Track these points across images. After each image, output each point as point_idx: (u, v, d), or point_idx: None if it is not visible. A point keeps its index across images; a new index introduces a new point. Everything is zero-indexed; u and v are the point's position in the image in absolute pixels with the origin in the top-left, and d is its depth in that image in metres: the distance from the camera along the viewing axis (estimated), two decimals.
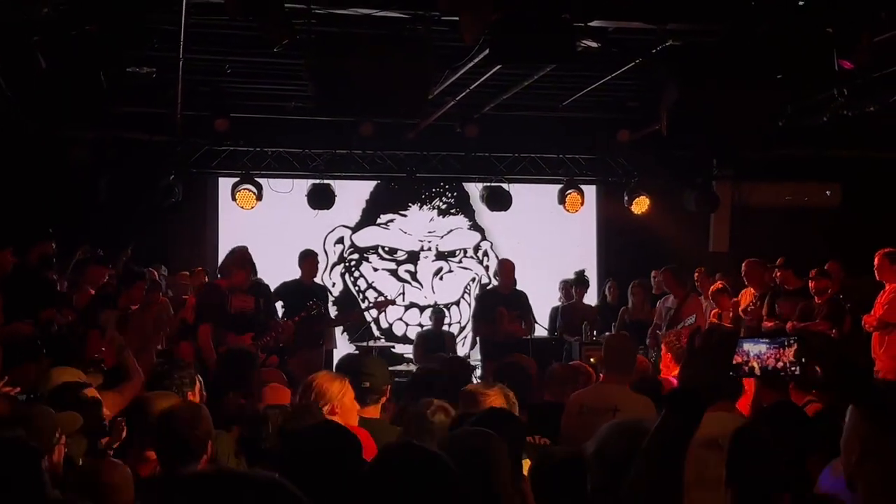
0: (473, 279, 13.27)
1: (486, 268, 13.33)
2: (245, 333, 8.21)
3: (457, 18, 7.01)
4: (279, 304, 9.67)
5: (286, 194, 12.11)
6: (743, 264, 10.53)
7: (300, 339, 9.01)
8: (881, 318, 9.16)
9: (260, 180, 11.89)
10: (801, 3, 6.34)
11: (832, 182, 13.47)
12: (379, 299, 12.44)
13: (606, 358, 5.91)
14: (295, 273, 10.04)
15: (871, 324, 9.24)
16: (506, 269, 10.79)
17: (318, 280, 10.51)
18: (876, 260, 9.39)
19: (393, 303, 12.09)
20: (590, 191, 13.21)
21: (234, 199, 11.84)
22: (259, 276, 10.64)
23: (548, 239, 13.07)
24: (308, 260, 10.12)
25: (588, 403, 5.52)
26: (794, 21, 6.49)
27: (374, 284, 13.04)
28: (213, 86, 10.58)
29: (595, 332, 10.71)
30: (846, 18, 6.47)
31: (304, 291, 9.65)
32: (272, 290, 9.36)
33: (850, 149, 12.35)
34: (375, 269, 13.06)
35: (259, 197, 11.81)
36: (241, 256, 8.58)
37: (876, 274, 9.35)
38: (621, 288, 12.00)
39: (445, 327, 12.27)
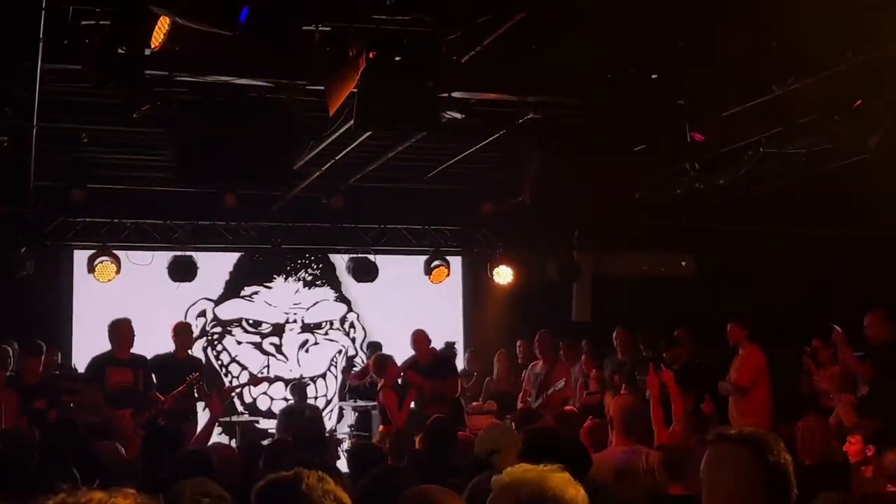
0: (340, 351, 13.09)
1: (353, 339, 13.18)
2: (124, 408, 7.88)
3: (321, 88, 7.02)
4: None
5: (146, 266, 11.75)
6: (615, 332, 10.70)
7: (174, 414, 8.69)
8: (735, 383, 9.43)
9: (118, 252, 11.51)
10: (654, 77, 6.60)
11: (687, 253, 13.94)
12: (259, 373, 12.20)
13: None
14: (155, 347, 9.69)
15: (726, 389, 9.50)
16: (418, 339, 10.67)
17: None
18: (728, 328, 9.70)
19: (273, 380, 11.87)
20: (455, 261, 13.29)
21: (91, 271, 11.40)
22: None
23: (415, 310, 13.03)
24: (183, 333, 9.84)
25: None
26: (647, 95, 6.74)
27: (237, 358, 12.70)
28: (70, 155, 10.25)
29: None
30: (697, 93, 6.76)
31: (178, 365, 9.34)
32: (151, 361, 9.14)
33: (704, 221, 12.83)
34: (239, 343, 12.74)
35: (118, 269, 11.42)
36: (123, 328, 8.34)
37: (728, 340, 9.65)
38: (484, 357, 12.08)
39: (311, 400, 12.04)
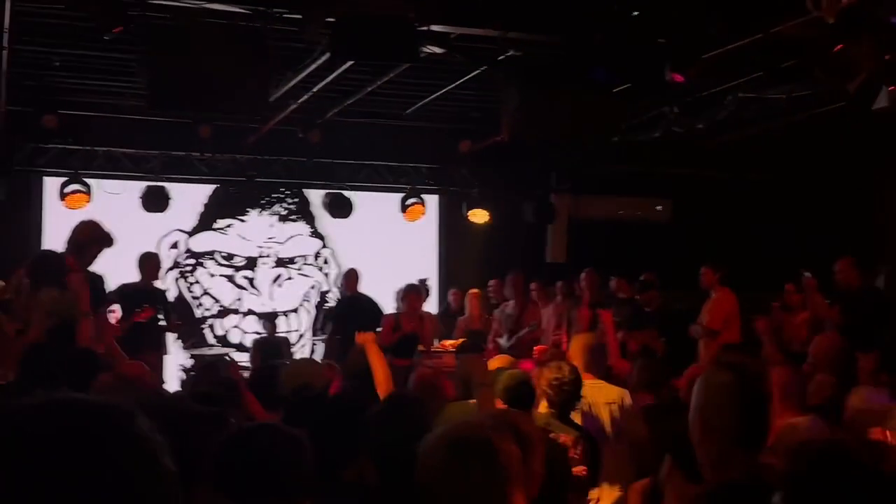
0: (313, 286, 13.07)
1: (326, 275, 13.16)
2: None
3: (299, 16, 6.91)
4: (115, 307, 9.28)
5: (118, 195, 11.62)
6: (583, 274, 10.76)
7: (143, 344, 8.64)
8: (706, 326, 9.53)
9: (90, 181, 11.37)
10: (634, 14, 6.53)
11: (664, 198, 13.97)
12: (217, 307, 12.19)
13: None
14: (127, 277, 9.64)
15: (697, 332, 9.61)
16: (350, 279, 10.76)
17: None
18: (701, 272, 9.79)
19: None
20: (432, 200, 13.25)
21: (62, 199, 11.28)
22: None
23: (389, 247, 13.02)
24: (148, 262, 9.78)
25: None
26: (627, 32, 6.67)
27: (209, 291, 12.66)
28: (41, 80, 10.07)
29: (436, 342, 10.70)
30: (679, 32, 6.69)
31: (143, 294, 9.30)
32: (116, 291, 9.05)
33: (681, 166, 12.84)
34: (212, 275, 12.69)
35: (89, 198, 11.29)
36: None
37: (701, 283, 9.74)
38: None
39: (284, 335, 12.08)
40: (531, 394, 5.04)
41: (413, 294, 10.13)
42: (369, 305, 10.97)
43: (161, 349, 9.77)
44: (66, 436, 1.06)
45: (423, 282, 11.93)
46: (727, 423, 2.64)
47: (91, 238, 7.01)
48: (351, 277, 11.51)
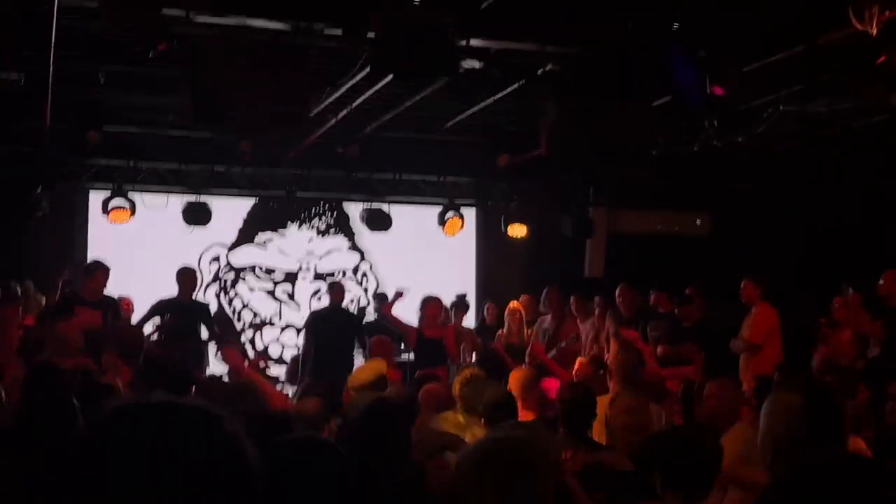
0: (352, 300, 13.12)
1: (366, 290, 13.21)
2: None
3: (338, 32, 6.97)
4: (153, 322, 9.38)
5: (160, 210, 11.76)
6: (618, 289, 10.69)
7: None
8: (747, 341, 9.43)
9: (133, 195, 11.52)
10: (675, 27, 6.51)
11: (701, 211, 13.88)
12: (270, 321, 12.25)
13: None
14: (169, 291, 9.73)
15: (738, 347, 9.51)
16: (335, 292, 10.51)
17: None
18: (742, 286, 9.69)
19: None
20: (469, 214, 13.26)
21: (105, 213, 11.44)
22: (130, 294, 10.36)
23: (427, 261, 13.03)
24: (185, 276, 9.81)
25: None
26: (668, 45, 6.65)
27: (249, 304, 12.76)
28: (86, 96, 10.21)
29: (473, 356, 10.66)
30: (719, 45, 6.67)
31: (182, 309, 9.36)
32: (154, 307, 9.14)
33: (719, 178, 12.74)
34: (251, 289, 12.79)
35: (132, 212, 11.44)
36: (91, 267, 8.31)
37: (741, 298, 9.64)
38: (500, 311, 12.02)
39: None
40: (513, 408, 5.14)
41: (432, 304, 10.08)
42: (346, 321, 10.50)
43: (202, 364, 9.79)
44: (165, 430, 1.26)
45: (461, 297, 11.92)
46: (799, 446, 2.56)
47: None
48: (335, 290, 10.74)
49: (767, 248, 12.45)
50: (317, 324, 10.27)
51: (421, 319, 10.09)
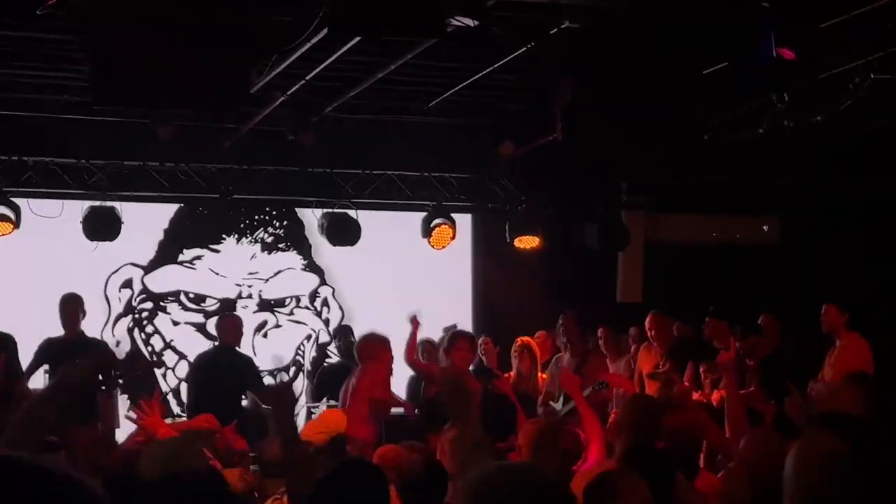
0: (309, 337, 13.12)
1: (326, 321, 13.20)
2: None
3: None
4: (43, 369, 9.38)
5: (54, 220, 11.75)
6: (648, 319, 10.69)
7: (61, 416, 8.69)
8: (830, 384, 9.45)
9: (17, 200, 11.51)
10: None
11: (769, 215, 13.94)
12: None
13: None
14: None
15: (819, 392, 9.52)
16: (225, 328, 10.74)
17: (95, 334, 10.28)
18: (823, 312, 9.72)
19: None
20: (463, 221, 13.27)
21: None
22: (12, 331, 10.35)
23: (408, 284, 13.04)
24: (67, 307, 9.88)
25: None
26: None
27: (173, 343, 12.74)
28: None
29: None
30: None
31: (70, 350, 9.33)
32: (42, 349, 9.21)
33: (792, 173, 12.80)
34: (176, 323, 12.77)
35: (16, 223, 11.42)
36: None
37: (823, 327, 9.67)
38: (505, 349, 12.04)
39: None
40: None
41: (461, 341, 10.23)
42: (238, 366, 10.52)
43: (110, 421, 9.73)
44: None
45: (450, 329, 11.88)
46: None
47: None
48: (227, 326, 10.98)
49: (854, 263, 12.49)
50: (198, 373, 10.31)
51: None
